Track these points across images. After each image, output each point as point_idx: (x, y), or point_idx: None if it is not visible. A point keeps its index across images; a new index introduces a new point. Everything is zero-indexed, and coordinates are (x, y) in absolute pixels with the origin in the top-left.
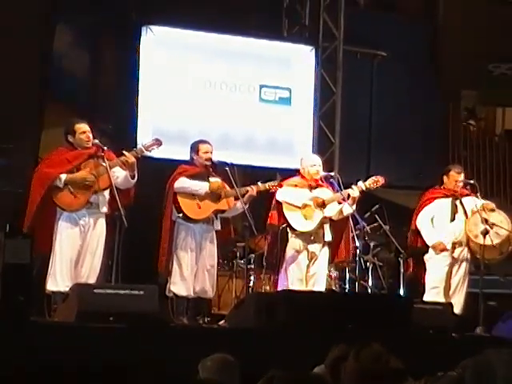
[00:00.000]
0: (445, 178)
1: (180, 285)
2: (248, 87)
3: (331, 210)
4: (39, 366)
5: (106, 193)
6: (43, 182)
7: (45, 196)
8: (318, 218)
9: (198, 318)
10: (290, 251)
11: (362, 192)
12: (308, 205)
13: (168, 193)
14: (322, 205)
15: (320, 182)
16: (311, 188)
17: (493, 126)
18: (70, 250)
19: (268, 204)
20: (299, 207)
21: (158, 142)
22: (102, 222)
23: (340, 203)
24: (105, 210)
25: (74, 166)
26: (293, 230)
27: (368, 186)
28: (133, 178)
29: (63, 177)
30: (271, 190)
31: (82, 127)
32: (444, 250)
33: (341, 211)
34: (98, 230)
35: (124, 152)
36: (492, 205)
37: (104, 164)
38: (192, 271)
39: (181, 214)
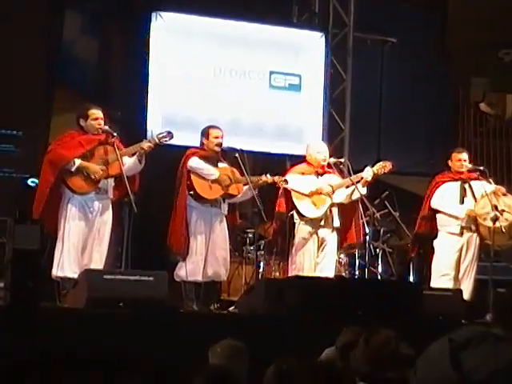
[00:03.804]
0: (449, 162)
1: (187, 269)
2: (258, 74)
3: (339, 196)
4: (49, 351)
5: (112, 179)
6: (57, 163)
7: (57, 177)
8: (326, 204)
9: (208, 303)
10: (298, 237)
11: (371, 177)
12: (316, 192)
13: (181, 172)
14: (331, 192)
15: (327, 169)
16: (318, 175)
17: (503, 112)
18: (78, 236)
19: (276, 191)
20: (307, 195)
21: (171, 135)
22: (109, 208)
23: (348, 187)
24: (111, 196)
25: (87, 150)
26: (301, 216)
27: (376, 172)
28: (140, 162)
29: (77, 162)
30: (277, 185)
31: (96, 113)
32: (476, 215)
33: (350, 195)
34: (106, 216)
35: (144, 142)
36: (503, 189)
37: (115, 151)
38: (202, 255)
39: (192, 192)
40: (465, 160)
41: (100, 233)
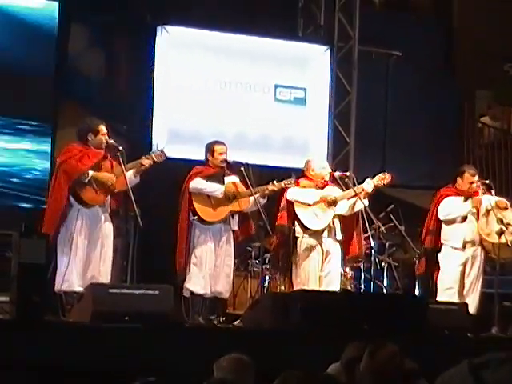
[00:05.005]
0: (459, 179)
1: (197, 283)
2: (263, 87)
3: (341, 208)
4: (54, 365)
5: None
6: (72, 174)
7: (70, 189)
8: (329, 216)
9: (213, 317)
10: (303, 250)
11: (372, 189)
12: (319, 201)
13: (183, 194)
14: (333, 203)
15: (327, 183)
16: (319, 188)
17: (508, 125)
18: (84, 249)
19: (279, 204)
20: (310, 205)
21: (163, 154)
22: (110, 221)
23: (349, 199)
24: (108, 209)
25: (95, 163)
26: (305, 228)
27: (376, 183)
28: (135, 177)
29: (91, 173)
30: (287, 188)
31: (104, 128)
32: (479, 200)
33: (352, 207)
34: (108, 229)
35: (143, 158)
36: (506, 202)
37: (120, 165)
38: (210, 270)
39: (196, 217)
40: (476, 184)
41: (104, 246)
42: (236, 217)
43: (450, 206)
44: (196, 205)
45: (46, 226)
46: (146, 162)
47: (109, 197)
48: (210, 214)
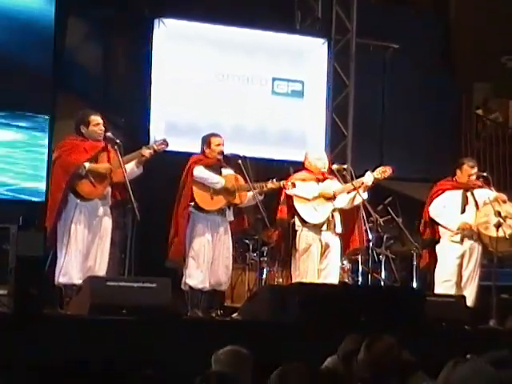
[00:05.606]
0: (458, 171)
1: (196, 277)
2: (260, 80)
3: (341, 201)
4: (52, 358)
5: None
6: (68, 169)
7: (67, 183)
8: (328, 210)
9: (211, 310)
10: (302, 243)
11: (372, 182)
12: (318, 197)
13: (185, 181)
14: (332, 197)
15: (327, 175)
16: (318, 181)
17: (506, 118)
18: (83, 242)
19: (278, 197)
20: (309, 200)
21: (166, 143)
22: (109, 214)
23: (349, 192)
24: (109, 202)
25: (92, 156)
26: (304, 222)
27: (377, 176)
28: (138, 168)
29: (87, 165)
30: (285, 188)
31: (97, 119)
32: (470, 227)
33: (352, 200)
34: (107, 222)
35: (144, 149)
36: (504, 197)
37: (117, 158)
38: (208, 263)
39: (192, 203)
40: (474, 174)
41: (103, 239)
42: (231, 208)
43: (442, 212)
44: (195, 190)
45: (47, 220)
46: (146, 152)
47: (110, 189)
48: (207, 201)
